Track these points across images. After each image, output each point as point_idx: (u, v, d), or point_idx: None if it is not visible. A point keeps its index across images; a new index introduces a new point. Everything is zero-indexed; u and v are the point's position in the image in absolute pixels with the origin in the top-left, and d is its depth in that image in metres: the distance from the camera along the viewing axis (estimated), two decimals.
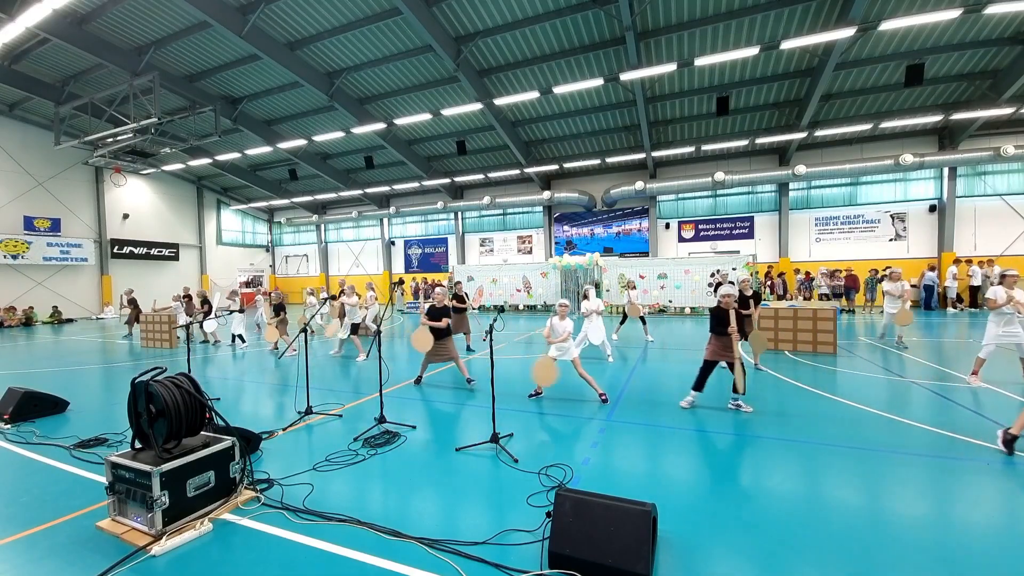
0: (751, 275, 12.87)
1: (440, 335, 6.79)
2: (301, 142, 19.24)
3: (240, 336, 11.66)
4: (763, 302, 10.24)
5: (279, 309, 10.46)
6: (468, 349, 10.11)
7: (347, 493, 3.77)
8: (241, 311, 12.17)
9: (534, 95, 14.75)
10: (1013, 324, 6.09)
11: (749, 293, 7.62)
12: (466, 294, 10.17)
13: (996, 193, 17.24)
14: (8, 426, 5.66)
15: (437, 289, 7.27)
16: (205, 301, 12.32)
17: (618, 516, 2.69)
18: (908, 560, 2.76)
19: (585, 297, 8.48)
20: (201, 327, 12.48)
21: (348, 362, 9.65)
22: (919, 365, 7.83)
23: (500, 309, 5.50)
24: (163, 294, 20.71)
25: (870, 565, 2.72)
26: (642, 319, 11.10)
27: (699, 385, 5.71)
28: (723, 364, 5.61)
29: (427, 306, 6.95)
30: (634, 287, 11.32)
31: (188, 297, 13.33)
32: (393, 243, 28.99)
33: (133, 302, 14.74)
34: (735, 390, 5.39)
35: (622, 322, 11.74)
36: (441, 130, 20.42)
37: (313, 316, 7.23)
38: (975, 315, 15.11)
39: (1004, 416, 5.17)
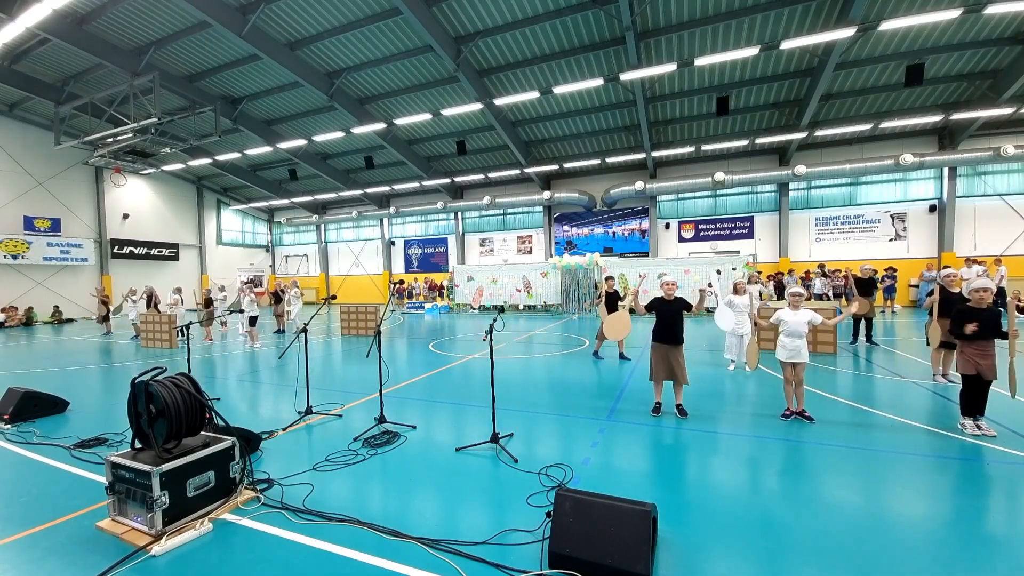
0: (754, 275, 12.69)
1: (675, 340, 5.58)
2: (301, 142, 19.25)
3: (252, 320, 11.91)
4: (764, 302, 10.20)
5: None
6: (621, 357, 8.99)
7: (347, 493, 3.77)
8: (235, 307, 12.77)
9: (534, 95, 14.75)
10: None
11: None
12: (617, 291, 9.11)
13: (996, 193, 17.24)
14: (8, 426, 5.65)
15: (667, 277, 6.01)
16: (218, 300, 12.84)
17: (618, 516, 2.69)
18: (908, 560, 2.76)
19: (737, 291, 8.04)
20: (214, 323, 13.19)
21: (348, 362, 9.66)
22: (919, 365, 7.83)
23: (500, 309, 5.50)
24: (163, 294, 20.69)
25: (870, 565, 2.72)
26: None
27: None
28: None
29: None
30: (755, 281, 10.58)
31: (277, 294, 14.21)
32: (393, 243, 28.99)
33: (106, 301, 15.19)
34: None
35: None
36: (441, 130, 20.42)
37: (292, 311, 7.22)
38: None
39: (1004, 415, 5.17)
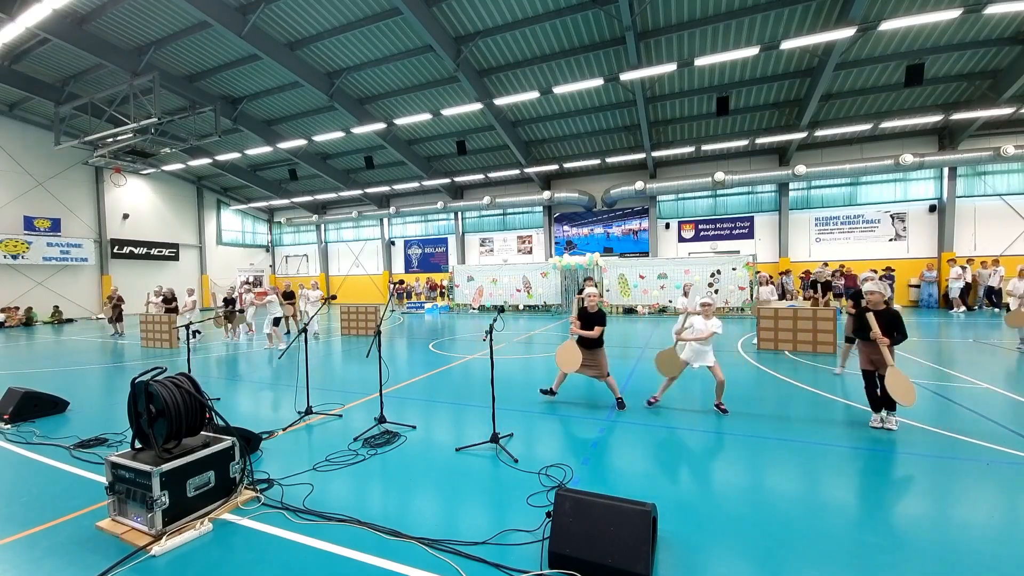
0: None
1: (591, 345, 5.75)
2: (301, 142, 19.25)
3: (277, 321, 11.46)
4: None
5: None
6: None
7: (347, 493, 3.77)
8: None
9: (534, 95, 14.76)
10: None
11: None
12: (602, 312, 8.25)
13: (996, 193, 17.24)
14: (8, 426, 5.65)
15: (588, 290, 6.07)
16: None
17: (618, 516, 2.69)
18: (908, 560, 2.76)
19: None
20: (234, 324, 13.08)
21: (348, 362, 9.66)
22: (919, 365, 7.83)
23: (500, 309, 5.50)
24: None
25: (870, 565, 2.72)
26: None
27: None
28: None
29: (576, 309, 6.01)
30: (769, 282, 10.33)
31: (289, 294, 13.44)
32: (393, 243, 28.99)
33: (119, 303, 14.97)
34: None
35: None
36: (441, 130, 20.42)
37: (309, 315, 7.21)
38: (979, 315, 15.11)
39: (1004, 415, 5.17)
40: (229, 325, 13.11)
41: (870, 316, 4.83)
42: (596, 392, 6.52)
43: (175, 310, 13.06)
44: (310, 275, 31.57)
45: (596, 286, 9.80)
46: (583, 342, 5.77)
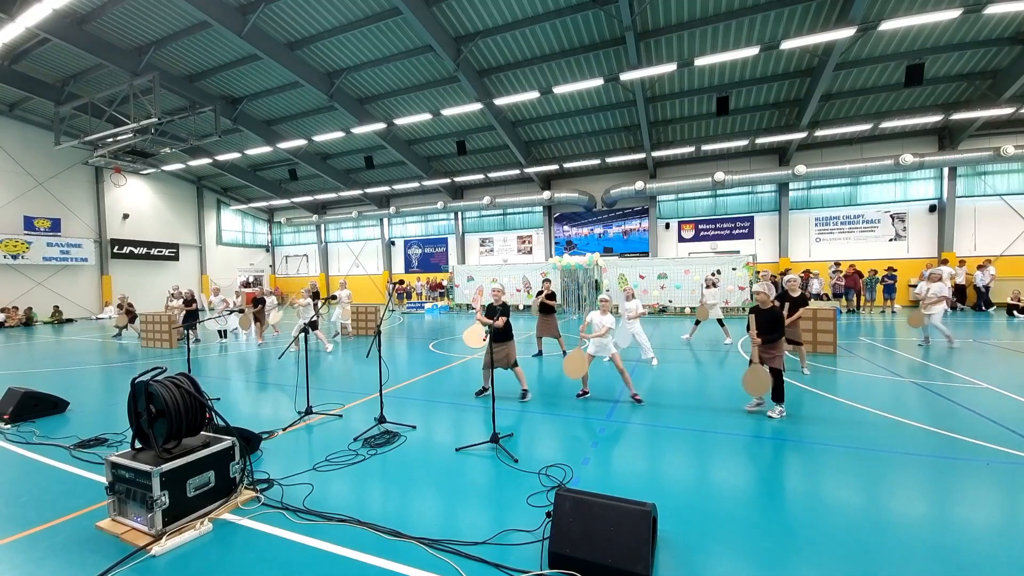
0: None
1: (499, 337, 6.10)
2: (301, 142, 19.25)
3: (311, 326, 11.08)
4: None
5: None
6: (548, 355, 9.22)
7: (347, 493, 3.77)
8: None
9: (534, 95, 14.75)
10: None
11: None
12: (554, 292, 9.49)
13: (996, 193, 17.24)
14: (8, 426, 5.66)
15: (495, 284, 7.00)
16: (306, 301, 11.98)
17: (618, 516, 2.69)
18: (908, 560, 2.76)
19: (630, 298, 8.37)
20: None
21: (348, 362, 9.66)
22: (919, 365, 7.83)
23: (489, 328, 5.50)
24: (162, 295, 20.66)
25: (870, 565, 2.72)
26: (720, 321, 10.69)
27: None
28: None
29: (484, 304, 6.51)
30: (714, 284, 10.87)
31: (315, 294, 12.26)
32: (393, 243, 28.99)
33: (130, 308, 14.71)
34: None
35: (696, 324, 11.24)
36: (441, 130, 20.42)
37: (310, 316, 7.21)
38: (980, 316, 15.12)
39: (1005, 415, 5.17)
40: (258, 325, 12.44)
41: (751, 316, 5.43)
42: (596, 392, 6.52)
43: (196, 313, 12.54)
44: (310, 275, 31.59)
45: (598, 286, 10.63)
46: (495, 335, 6.06)
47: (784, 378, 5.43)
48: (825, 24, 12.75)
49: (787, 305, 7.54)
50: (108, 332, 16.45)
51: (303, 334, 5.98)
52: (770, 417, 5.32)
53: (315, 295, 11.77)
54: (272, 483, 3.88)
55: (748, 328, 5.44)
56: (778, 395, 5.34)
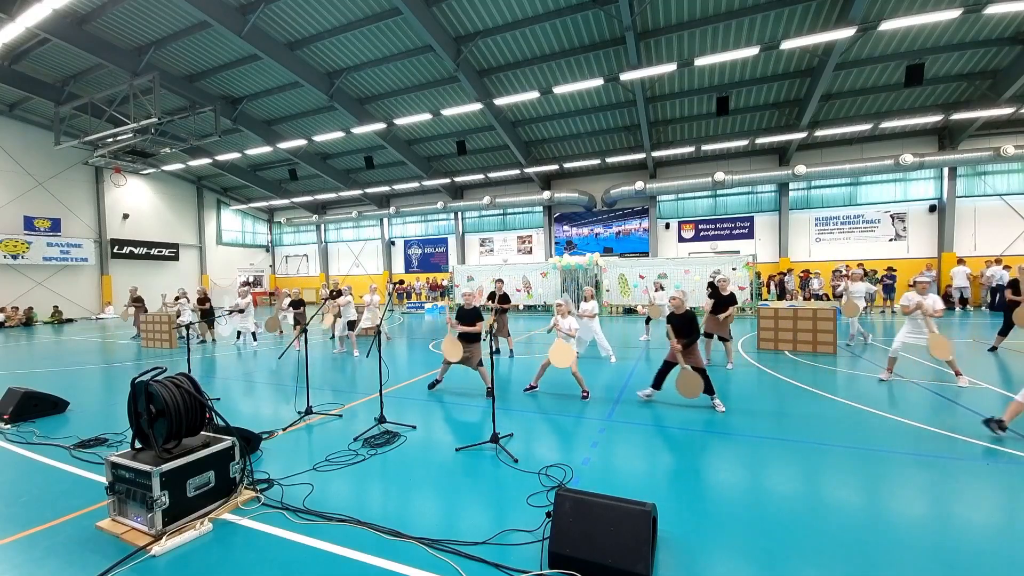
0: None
1: (470, 340, 6.48)
2: (301, 142, 19.25)
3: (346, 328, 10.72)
4: (763, 301, 10.21)
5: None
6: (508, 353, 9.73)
7: (347, 493, 3.77)
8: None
9: (534, 95, 14.75)
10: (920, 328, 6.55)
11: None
12: (507, 294, 9.89)
13: (996, 193, 17.25)
14: (8, 426, 5.65)
15: (465, 288, 7.18)
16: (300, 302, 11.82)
17: (618, 516, 2.69)
18: (907, 560, 2.76)
19: (585, 299, 8.63)
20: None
21: (348, 362, 9.65)
22: (919, 365, 7.83)
23: (492, 325, 5.52)
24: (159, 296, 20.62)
25: (870, 565, 2.72)
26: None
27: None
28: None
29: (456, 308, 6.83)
30: (661, 287, 11.65)
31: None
32: (393, 243, 28.99)
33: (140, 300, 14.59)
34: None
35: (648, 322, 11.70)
36: (441, 130, 20.42)
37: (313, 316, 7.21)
38: (982, 315, 15.11)
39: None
40: (297, 330, 11.40)
41: (668, 325, 5.71)
42: (596, 392, 6.52)
43: (211, 312, 12.21)
44: (310, 275, 31.60)
45: (598, 286, 10.92)
46: (464, 336, 6.42)
47: (709, 377, 5.61)
48: (825, 24, 12.75)
49: (712, 303, 8.08)
50: (108, 332, 16.45)
51: (344, 334, 5.96)
52: (716, 410, 5.55)
53: (297, 303, 11.51)
54: (272, 483, 3.88)
55: (668, 335, 5.68)
56: (710, 389, 5.54)
